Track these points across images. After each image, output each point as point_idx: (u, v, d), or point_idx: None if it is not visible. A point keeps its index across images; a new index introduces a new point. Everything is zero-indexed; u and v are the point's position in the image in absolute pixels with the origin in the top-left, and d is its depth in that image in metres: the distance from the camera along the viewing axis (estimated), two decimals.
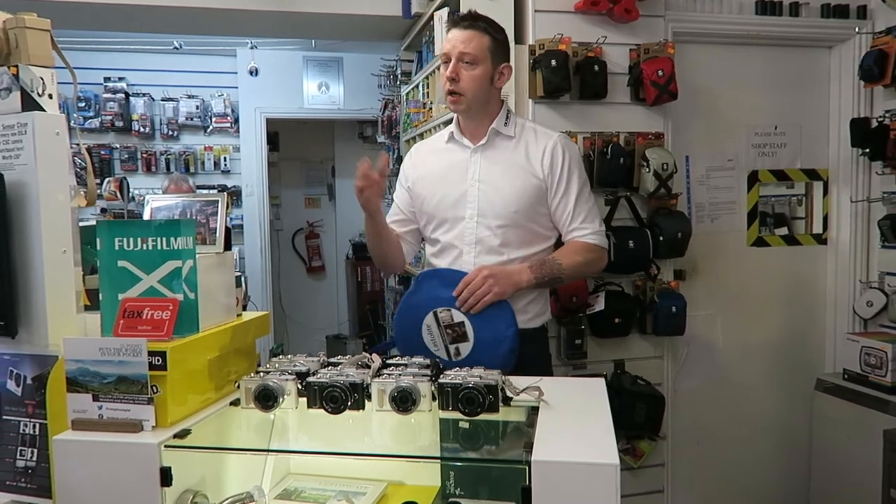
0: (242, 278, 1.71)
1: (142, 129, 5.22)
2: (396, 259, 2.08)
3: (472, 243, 1.94)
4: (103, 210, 4.68)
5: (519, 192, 1.93)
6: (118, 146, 5.27)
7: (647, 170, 2.57)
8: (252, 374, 1.41)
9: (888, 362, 2.62)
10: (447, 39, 1.93)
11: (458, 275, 1.87)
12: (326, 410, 1.34)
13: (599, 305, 2.55)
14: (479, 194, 1.94)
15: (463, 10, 2.51)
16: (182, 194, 2.11)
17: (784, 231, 3.13)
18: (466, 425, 1.35)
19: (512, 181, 1.94)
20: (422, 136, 3.18)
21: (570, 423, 1.32)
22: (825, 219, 3.10)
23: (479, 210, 1.94)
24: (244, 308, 1.72)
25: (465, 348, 1.85)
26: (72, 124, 4.61)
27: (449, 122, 2.16)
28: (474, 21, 1.93)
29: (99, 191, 4.20)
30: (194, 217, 1.57)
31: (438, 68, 2.78)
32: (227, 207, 1.60)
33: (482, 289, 1.82)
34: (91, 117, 5.16)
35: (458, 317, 1.85)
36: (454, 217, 1.96)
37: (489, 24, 1.94)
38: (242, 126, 5.44)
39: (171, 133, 5.33)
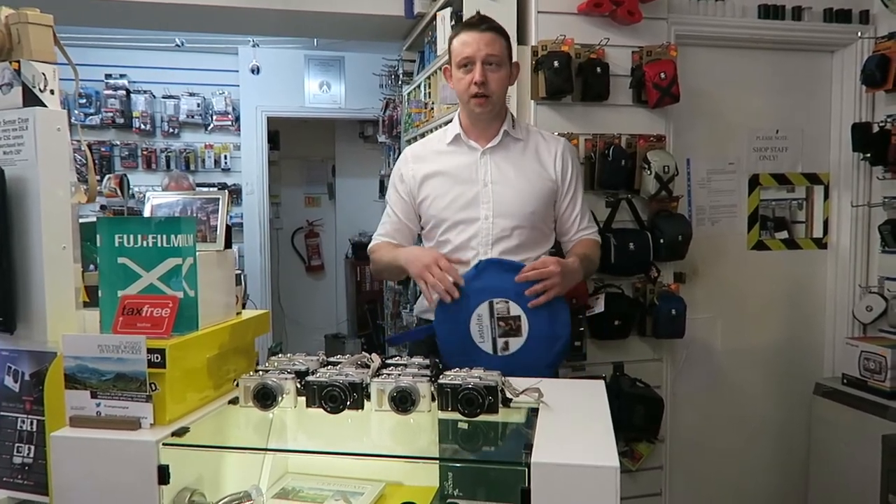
0: (242, 277, 1.71)
1: (143, 127, 5.22)
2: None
3: (488, 244, 1.95)
4: (103, 207, 4.67)
5: (536, 193, 1.97)
6: (119, 143, 5.27)
7: (649, 172, 2.56)
8: (251, 373, 1.41)
9: (887, 367, 2.62)
10: (466, 43, 1.92)
11: (519, 265, 1.84)
12: (325, 410, 1.34)
13: (599, 307, 2.54)
14: (493, 195, 1.95)
15: (466, 10, 2.51)
16: (183, 192, 2.10)
17: (784, 235, 3.13)
18: (466, 426, 1.35)
19: (528, 182, 1.97)
20: (423, 135, 3.17)
21: (570, 425, 1.32)
22: (825, 223, 3.10)
23: (494, 211, 1.95)
24: (243, 306, 1.72)
25: (516, 343, 1.81)
26: (73, 121, 4.60)
27: (448, 121, 2.15)
28: (491, 23, 1.96)
29: (99, 187, 4.19)
30: (195, 215, 1.57)
31: (441, 69, 2.79)
32: (228, 205, 1.59)
33: (550, 280, 1.78)
34: (92, 114, 5.16)
35: (516, 310, 1.81)
36: (468, 218, 1.96)
37: (500, 26, 1.98)
38: (243, 124, 5.43)
39: (171, 130, 5.33)
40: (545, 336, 1.81)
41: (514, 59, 2.04)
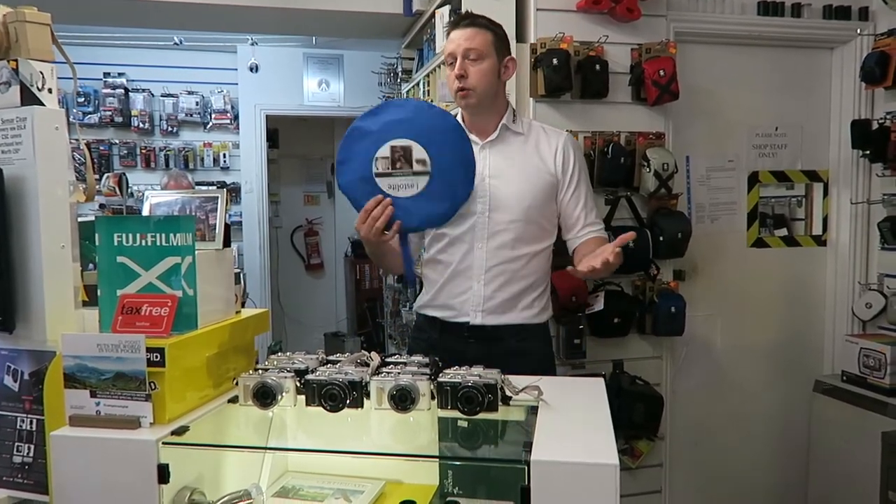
0: (241, 275, 1.71)
1: (141, 125, 5.21)
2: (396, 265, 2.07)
3: (484, 238, 1.95)
4: (102, 206, 4.67)
5: (534, 188, 1.96)
6: (117, 142, 5.26)
7: (648, 170, 2.56)
8: (250, 372, 1.41)
9: (887, 364, 2.62)
10: (449, 40, 1.96)
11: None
12: (325, 408, 1.34)
13: (599, 305, 2.54)
14: (490, 189, 1.95)
15: (465, 8, 2.51)
16: (181, 190, 2.10)
17: (784, 232, 3.13)
18: (465, 424, 1.35)
19: (526, 177, 1.97)
20: None
21: (570, 422, 1.32)
22: (825, 220, 3.10)
23: (490, 205, 1.95)
24: (243, 305, 1.72)
25: (420, 153, 1.79)
26: (71, 119, 4.60)
27: None
28: (474, 19, 1.98)
29: (98, 186, 4.19)
30: (194, 213, 1.57)
31: (440, 66, 2.79)
32: (227, 204, 1.59)
33: (612, 262, 1.74)
34: (90, 113, 5.15)
35: (385, 150, 1.80)
36: (464, 212, 1.95)
37: (488, 21, 1.98)
38: (242, 123, 5.42)
39: (170, 129, 5.32)
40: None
41: (512, 53, 2.04)
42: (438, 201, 1.83)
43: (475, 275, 1.95)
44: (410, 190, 1.81)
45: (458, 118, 2.05)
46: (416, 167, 1.80)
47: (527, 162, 1.99)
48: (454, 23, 2.00)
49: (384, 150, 1.81)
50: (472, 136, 2.01)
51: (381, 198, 1.80)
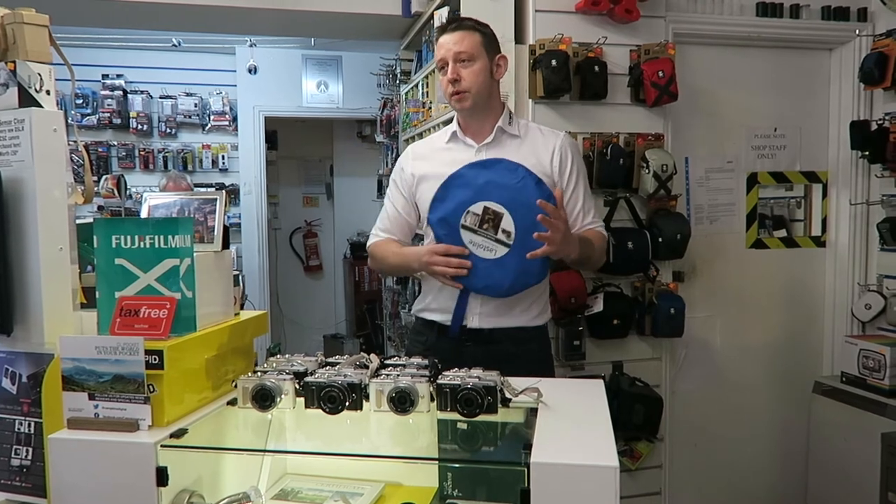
0: (240, 277, 1.70)
1: (140, 127, 5.21)
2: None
3: None
4: (100, 208, 4.67)
5: None
6: (116, 143, 5.25)
7: (647, 171, 2.56)
8: (249, 374, 1.40)
9: (886, 365, 2.62)
10: (439, 46, 1.97)
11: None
12: (324, 410, 1.33)
13: (598, 306, 2.54)
14: None
15: (463, 9, 2.52)
16: (180, 192, 2.10)
17: (783, 233, 3.13)
18: (465, 426, 1.34)
19: None
20: (421, 135, 3.17)
21: (570, 424, 1.32)
22: (824, 221, 3.10)
23: None
24: (242, 307, 1.72)
25: (508, 224, 1.84)
26: (69, 121, 4.59)
27: (449, 121, 2.15)
28: (461, 22, 1.99)
29: (96, 188, 4.19)
30: (192, 215, 1.56)
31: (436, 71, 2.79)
32: (225, 206, 1.59)
33: (559, 232, 1.76)
34: (89, 114, 5.14)
35: (478, 207, 1.85)
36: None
37: (475, 22, 2.00)
38: (241, 124, 5.42)
39: (169, 131, 5.32)
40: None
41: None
42: (505, 273, 1.86)
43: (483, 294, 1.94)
44: (488, 253, 1.86)
45: (454, 122, 2.04)
46: (500, 236, 1.84)
47: (523, 164, 1.97)
48: (441, 29, 2.01)
49: (477, 207, 1.85)
50: (468, 140, 2.00)
51: (465, 253, 1.85)
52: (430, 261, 1.87)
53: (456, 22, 2.00)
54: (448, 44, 1.93)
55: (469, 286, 1.90)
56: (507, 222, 1.84)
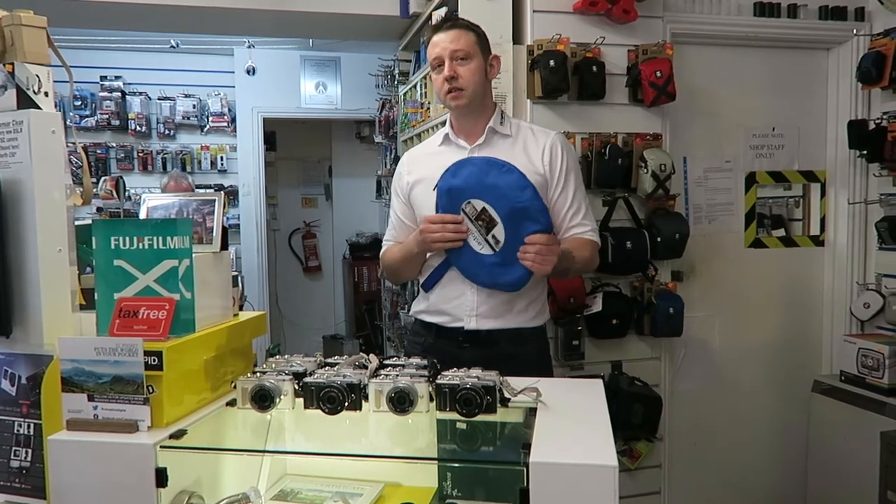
0: (239, 278, 1.70)
1: (138, 128, 5.21)
2: (415, 273, 2.08)
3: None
4: (99, 209, 4.66)
5: None
6: (114, 145, 5.26)
7: (645, 171, 2.57)
8: (249, 375, 1.40)
9: (885, 364, 2.62)
10: (433, 45, 1.95)
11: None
12: (323, 411, 1.33)
13: (597, 306, 2.55)
14: None
15: (462, 9, 2.51)
16: (181, 192, 2.10)
17: (781, 233, 3.13)
18: (464, 426, 1.34)
19: None
20: (419, 136, 3.17)
21: (569, 424, 1.32)
22: (822, 220, 3.11)
23: None
24: (241, 308, 1.72)
25: (500, 233, 1.85)
26: (68, 123, 4.60)
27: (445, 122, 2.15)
28: (455, 21, 1.99)
29: (95, 190, 4.18)
30: (191, 216, 1.56)
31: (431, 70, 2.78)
32: (224, 207, 1.59)
33: (546, 257, 1.76)
34: (87, 116, 5.15)
35: (479, 204, 1.86)
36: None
37: (468, 22, 2.00)
38: (239, 125, 5.43)
39: (167, 132, 5.32)
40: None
41: (494, 52, 2.04)
42: (487, 271, 1.88)
43: (468, 280, 1.95)
44: (477, 246, 1.88)
45: (447, 124, 2.04)
46: (490, 239, 1.86)
47: (515, 163, 1.94)
48: (435, 28, 2.01)
49: (478, 203, 1.86)
50: (460, 141, 2.00)
51: (461, 220, 1.86)
52: (425, 228, 1.88)
53: (451, 20, 2.00)
54: (444, 42, 1.92)
55: (455, 263, 1.92)
56: (499, 231, 1.85)
